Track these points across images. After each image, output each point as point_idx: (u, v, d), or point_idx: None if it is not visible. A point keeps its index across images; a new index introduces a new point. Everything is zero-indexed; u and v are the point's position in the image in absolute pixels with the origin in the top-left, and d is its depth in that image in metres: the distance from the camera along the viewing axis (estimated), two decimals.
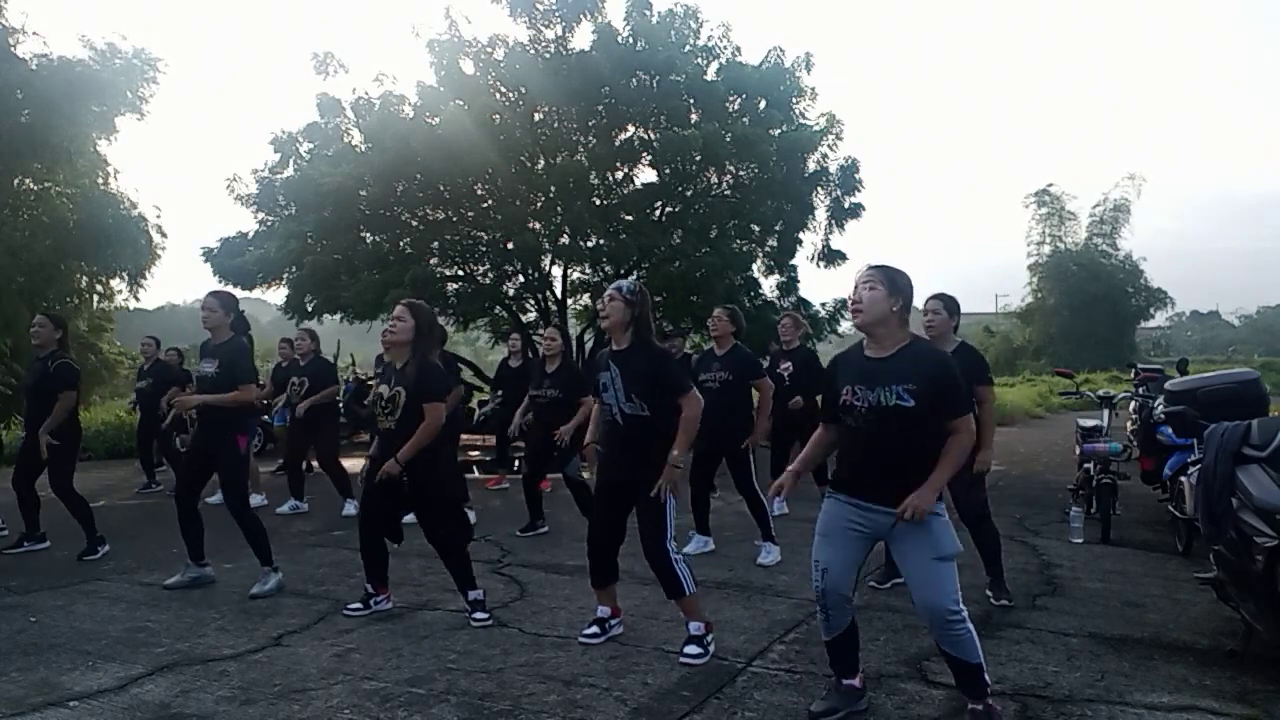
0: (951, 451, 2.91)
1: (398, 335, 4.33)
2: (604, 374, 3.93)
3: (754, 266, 13.67)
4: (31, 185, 18.95)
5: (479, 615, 4.29)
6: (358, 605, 4.51)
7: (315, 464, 8.94)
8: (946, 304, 4.57)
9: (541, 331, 6.88)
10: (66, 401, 5.82)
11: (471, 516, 6.97)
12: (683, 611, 3.88)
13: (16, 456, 6.24)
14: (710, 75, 13.12)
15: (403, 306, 4.40)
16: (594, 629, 4.05)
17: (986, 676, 2.99)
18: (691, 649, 3.76)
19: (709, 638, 3.83)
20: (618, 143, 12.83)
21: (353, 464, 8.53)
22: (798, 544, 6.16)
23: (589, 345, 13.90)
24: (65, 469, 5.95)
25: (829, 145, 13.51)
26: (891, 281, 2.96)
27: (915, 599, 2.99)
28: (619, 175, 13.32)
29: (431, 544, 4.42)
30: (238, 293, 9.67)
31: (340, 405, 8.74)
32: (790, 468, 3.30)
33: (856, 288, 3.00)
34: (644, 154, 12.78)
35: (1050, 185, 41.08)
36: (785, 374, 7.03)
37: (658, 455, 3.77)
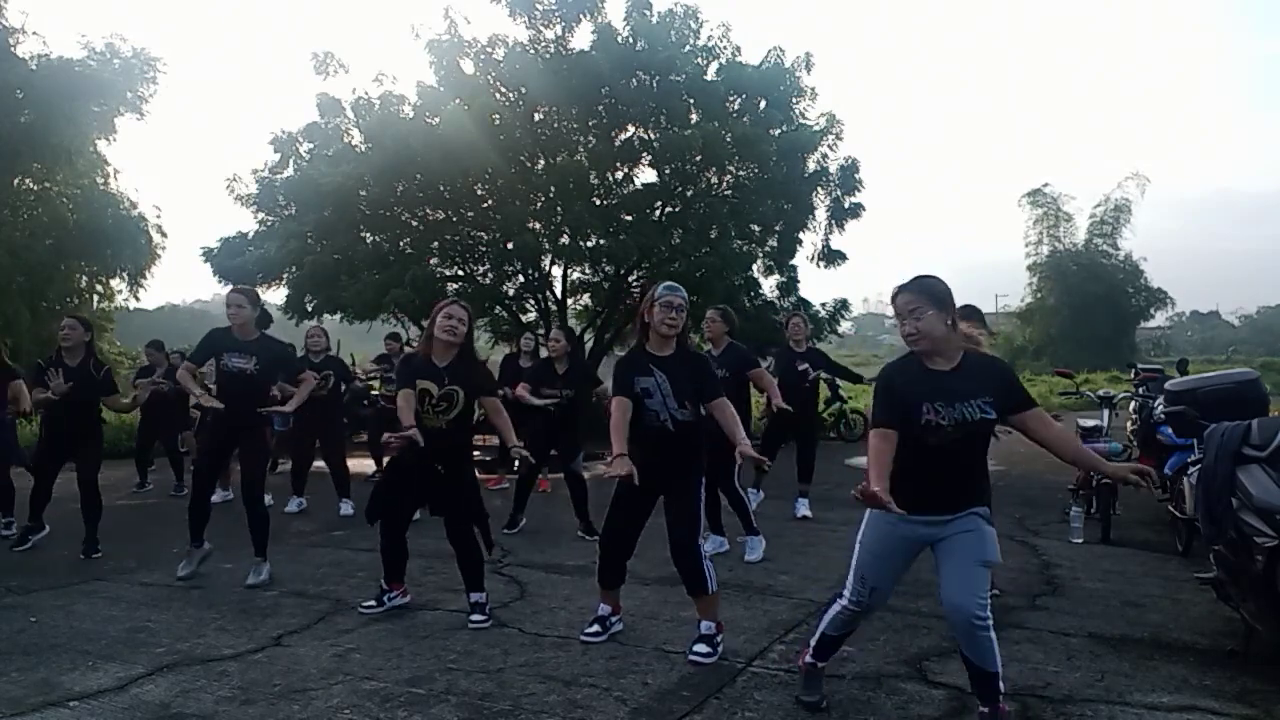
0: (1071, 441, 3.12)
1: (458, 337, 4.30)
2: (645, 380, 3.84)
3: (754, 266, 13.67)
4: (31, 185, 18.95)
5: (476, 617, 4.28)
6: (371, 602, 4.54)
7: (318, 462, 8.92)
8: (967, 314, 4.63)
9: (544, 334, 6.94)
10: (118, 403, 6.37)
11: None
12: (699, 609, 3.88)
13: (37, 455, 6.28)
14: (710, 75, 13.12)
15: (462, 308, 4.37)
16: (595, 627, 4.05)
17: (1001, 684, 2.97)
18: (701, 647, 3.75)
19: (719, 638, 3.83)
20: (618, 143, 12.82)
21: (354, 464, 8.52)
22: (798, 544, 6.17)
23: (589, 345, 13.90)
24: (94, 461, 6.10)
25: (829, 145, 13.52)
26: (936, 299, 2.90)
27: (945, 599, 2.95)
28: (619, 175, 13.32)
29: (454, 542, 4.39)
30: None
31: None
32: (874, 489, 2.87)
33: (902, 318, 2.92)
34: (644, 154, 12.78)
35: (1045, 185, 41.06)
36: (809, 374, 7.07)
37: (701, 456, 3.93)
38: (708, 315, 6.05)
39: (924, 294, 2.90)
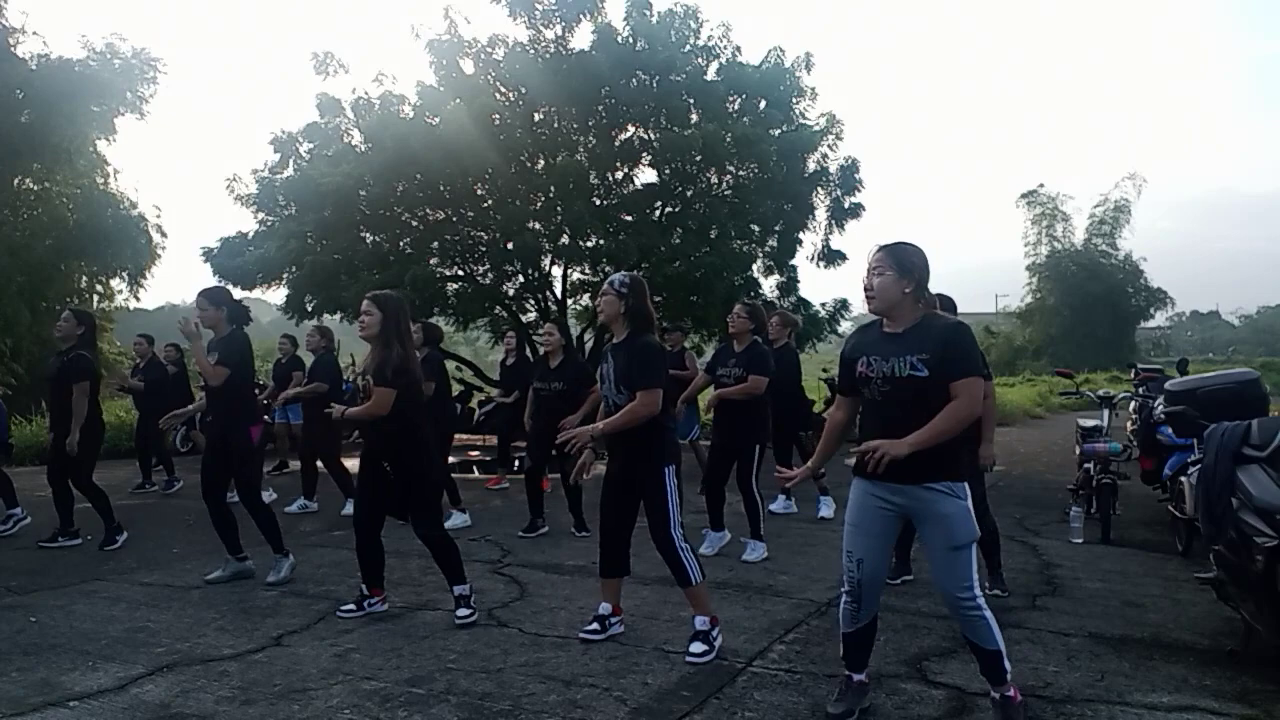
0: (945, 413, 2.84)
1: (367, 329, 4.33)
2: (604, 365, 4.07)
3: (754, 266, 13.65)
4: (31, 185, 18.98)
5: (462, 612, 4.24)
6: (351, 606, 4.49)
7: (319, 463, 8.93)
8: (942, 303, 4.60)
9: (540, 329, 6.85)
10: (79, 393, 5.93)
11: (467, 519, 6.98)
12: (690, 602, 3.89)
13: (48, 453, 6.41)
14: (710, 75, 13.12)
15: (368, 300, 4.36)
16: (594, 625, 4.05)
17: (1006, 664, 3.00)
18: (696, 646, 3.74)
19: (715, 633, 3.83)
20: (618, 143, 12.82)
21: (353, 463, 8.51)
22: (798, 544, 6.17)
23: (589, 345, 13.90)
24: (87, 463, 6.11)
25: (829, 145, 13.51)
26: (901, 264, 2.96)
27: (932, 581, 3.06)
28: (619, 175, 13.32)
29: (421, 539, 4.35)
30: (237, 293, 9.72)
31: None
32: (806, 465, 3.38)
33: (868, 273, 3.01)
34: (644, 154, 12.78)
35: (1041, 185, 41.23)
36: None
37: (649, 443, 3.85)
38: (734, 309, 5.87)
39: (892, 257, 2.97)
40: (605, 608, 4.10)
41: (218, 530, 5.15)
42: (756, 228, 13.29)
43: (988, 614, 2.96)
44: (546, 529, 6.58)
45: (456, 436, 9.60)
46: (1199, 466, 4.07)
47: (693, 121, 12.54)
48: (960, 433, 2.92)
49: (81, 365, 5.98)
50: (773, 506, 7.33)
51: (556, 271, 13.81)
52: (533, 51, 12.56)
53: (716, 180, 13.26)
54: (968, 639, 3.05)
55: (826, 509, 7.16)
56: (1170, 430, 6.28)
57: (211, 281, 13.83)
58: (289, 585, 5.08)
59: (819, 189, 13.65)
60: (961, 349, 2.93)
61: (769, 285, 14.27)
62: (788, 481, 3.41)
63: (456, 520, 6.89)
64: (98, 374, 6.23)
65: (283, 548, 5.22)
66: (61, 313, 6.40)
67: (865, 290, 3.02)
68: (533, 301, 14.20)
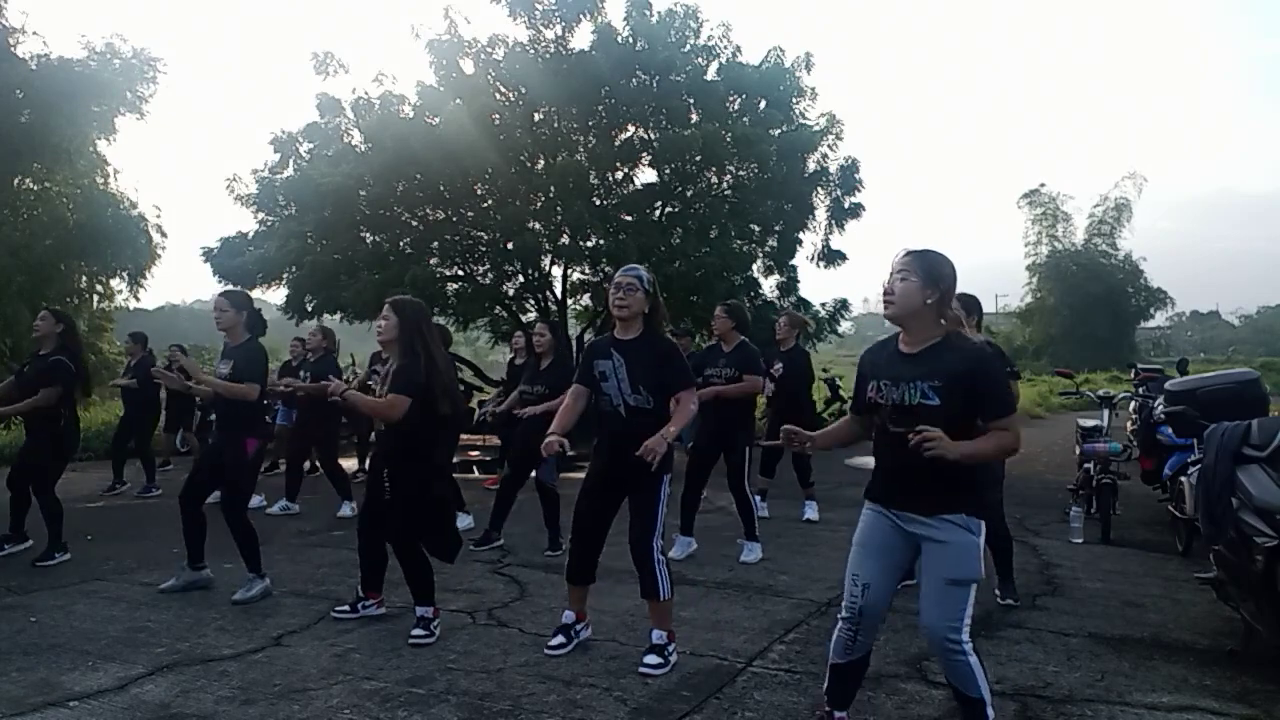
0: (991, 438, 2.65)
1: (385, 334, 4.24)
2: (604, 363, 3.77)
3: (754, 266, 13.67)
4: (31, 185, 18.97)
5: (417, 632, 4.05)
6: (345, 608, 4.45)
7: (316, 464, 8.92)
8: (964, 303, 4.56)
9: (534, 329, 6.59)
10: (46, 397, 5.58)
11: (470, 521, 6.94)
12: (651, 616, 3.77)
13: (17, 455, 6.16)
14: (710, 75, 13.13)
15: (388, 305, 4.28)
16: (559, 639, 3.91)
17: (990, 712, 2.73)
18: (651, 658, 3.64)
19: (671, 648, 3.71)
20: (618, 143, 12.83)
21: (351, 464, 8.52)
22: (797, 544, 6.17)
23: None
24: (53, 470, 5.83)
25: (829, 145, 13.53)
26: (928, 272, 2.70)
27: (920, 615, 2.76)
28: (619, 175, 13.32)
29: (392, 547, 4.21)
30: None
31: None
32: (814, 435, 3.04)
33: (890, 275, 2.76)
34: (644, 154, 12.78)
35: (1042, 185, 41.28)
36: (776, 374, 6.96)
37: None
38: (715, 312, 5.97)
39: (920, 264, 2.72)
40: (569, 616, 3.96)
41: (185, 535, 4.95)
42: (756, 228, 13.30)
43: (974, 660, 2.70)
44: (501, 543, 6.56)
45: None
46: (1199, 466, 4.07)
47: (692, 121, 12.54)
48: (986, 470, 2.78)
49: (58, 371, 5.68)
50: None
51: (556, 271, 13.82)
52: (533, 51, 12.57)
53: (716, 180, 13.26)
54: (950, 683, 2.78)
55: (811, 512, 7.16)
56: (1170, 430, 6.28)
57: (212, 282, 13.88)
58: (289, 585, 5.07)
59: (819, 189, 13.66)
60: (991, 381, 2.67)
61: (769, 285, 14.30)
62: (794, 442, 3.01)
63: (462, 522, 6.77)
64: (75, 381, 5.85)
65: (259, 568, 4.90)
66: (39, 313, 6.10)
67: (885, 294, 2.76)
68: (533, 301, 14.21)
